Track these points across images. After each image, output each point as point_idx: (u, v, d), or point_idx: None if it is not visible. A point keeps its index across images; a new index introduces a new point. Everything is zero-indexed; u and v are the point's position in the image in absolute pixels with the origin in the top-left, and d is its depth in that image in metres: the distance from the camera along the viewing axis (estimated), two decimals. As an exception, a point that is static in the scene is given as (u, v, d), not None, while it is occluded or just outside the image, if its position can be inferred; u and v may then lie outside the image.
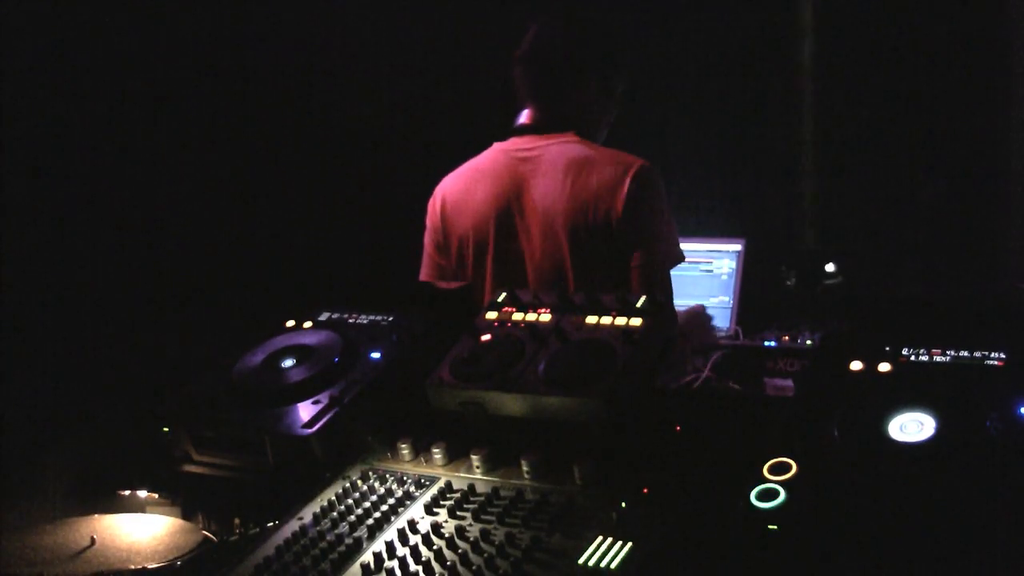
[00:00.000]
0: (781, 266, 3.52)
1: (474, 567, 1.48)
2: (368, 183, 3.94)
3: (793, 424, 1.61)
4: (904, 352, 1.68)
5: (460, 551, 1.52)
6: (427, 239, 2.80)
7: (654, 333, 1.82)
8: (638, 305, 1.87)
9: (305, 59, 3.72)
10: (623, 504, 1.53)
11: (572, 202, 2.54)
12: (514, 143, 2.68)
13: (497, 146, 2.72)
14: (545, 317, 1.94)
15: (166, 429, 2.08)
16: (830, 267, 3.50)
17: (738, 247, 3.47)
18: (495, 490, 1.66)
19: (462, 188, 2.72)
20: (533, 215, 2.60)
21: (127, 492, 2.12)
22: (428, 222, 2.79)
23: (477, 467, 1.73)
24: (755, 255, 3.45)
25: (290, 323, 2.29)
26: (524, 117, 2.70)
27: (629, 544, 1.44)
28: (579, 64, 2.66)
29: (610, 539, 1.46)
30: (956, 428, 1.47)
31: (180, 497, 2.09)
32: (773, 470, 1.49)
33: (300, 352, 2.12)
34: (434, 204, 2.77)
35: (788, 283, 3.49)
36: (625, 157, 2.59)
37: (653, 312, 1.86)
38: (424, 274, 2.82)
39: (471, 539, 1.54)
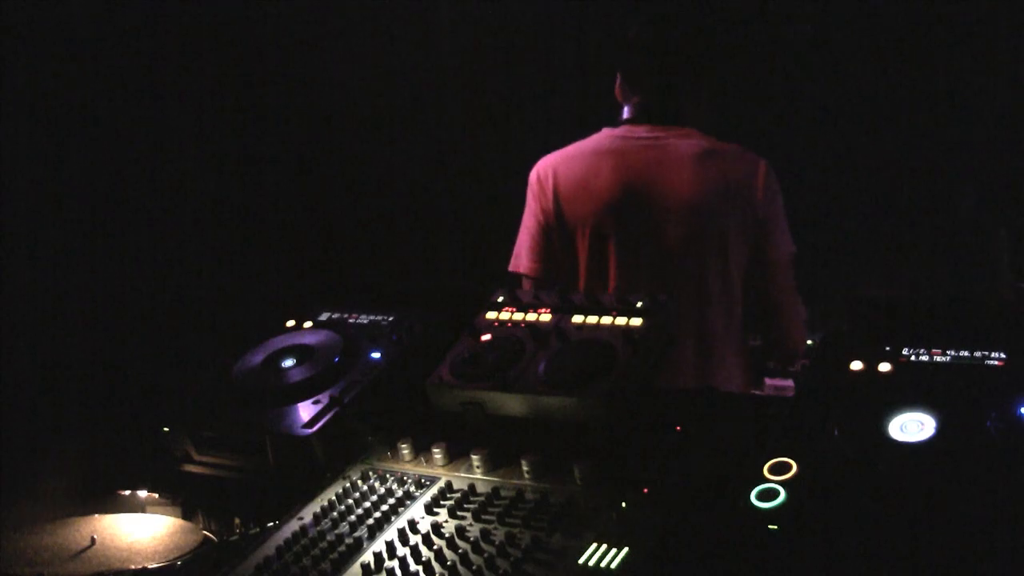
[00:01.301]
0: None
1: (474, 567, 1.48)
2: (369, 183, 3.94)
3: (793, 424, 1.61)
4: (904, 352, 1.67)
5: (460, 551, 1.51)
6: (531, 222, 2.68)
7: (654, 333, 1.82)
8: (638, 305, 1.87)
9: (307, 58, 3.72)
10: (623, 504, 1.53)
11: (713, 193, 2.51)
12: (631, 130, 2.62)
13: (610, 131, 2.64)
14: (545, 317, 1.94)
15: (166, 429, 2.09)
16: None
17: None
18: (495, 490, 1.66)
19: (581, 169, 2.61)
20: (667, 204, 2.53)
21: (127, 492, 2.12)
22: (535, 204, 2.66)
23: (477, 467, 1.73)
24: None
25: (290, 323, 2.29)
26: (635, 107, 2.63)
27: (626, 548, 1.44)
28: (700, 59, 2.64)
29: (606, 544, 1.46)
30: (956, 428, 1.47)
31: (180, 497, 2.09)
32: (773, 470, 1.49)
33: (300, 352, 2.12)
34: (544, 184, 2.64)
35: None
36: (748, 151, 2.59)
37: (653, 312, 1.86)
38: (527, 259, 2.68)
39: (471, 539, 1.54)
